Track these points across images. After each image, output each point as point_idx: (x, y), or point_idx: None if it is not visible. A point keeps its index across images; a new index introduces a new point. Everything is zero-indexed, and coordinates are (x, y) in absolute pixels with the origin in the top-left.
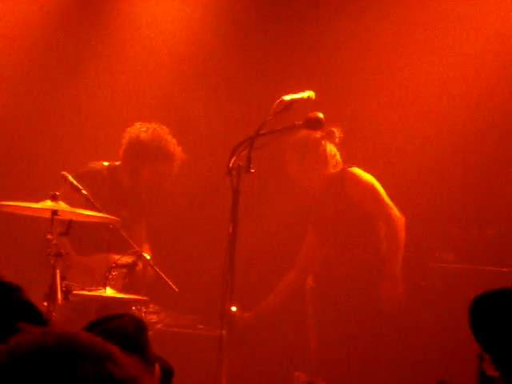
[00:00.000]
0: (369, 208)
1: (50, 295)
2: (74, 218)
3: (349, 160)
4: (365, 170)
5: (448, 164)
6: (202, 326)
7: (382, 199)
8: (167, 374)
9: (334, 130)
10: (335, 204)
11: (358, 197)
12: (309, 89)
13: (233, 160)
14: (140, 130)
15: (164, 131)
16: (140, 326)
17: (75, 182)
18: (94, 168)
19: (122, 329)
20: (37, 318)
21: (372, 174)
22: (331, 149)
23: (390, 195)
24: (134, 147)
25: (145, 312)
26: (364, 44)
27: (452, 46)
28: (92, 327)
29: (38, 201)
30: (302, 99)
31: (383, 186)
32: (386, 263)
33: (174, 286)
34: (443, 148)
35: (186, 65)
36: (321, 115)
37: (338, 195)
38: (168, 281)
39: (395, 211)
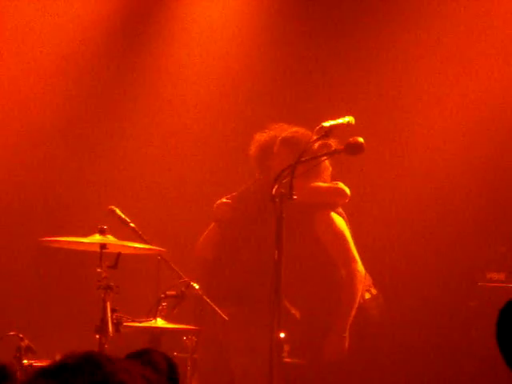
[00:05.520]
0: (334, 255)
1: (101, 328)
2: (122, 251)
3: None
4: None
5: (495, 182)
6: None
7: (349, 250)
8: None
9: (331, 143)
10: (301, 231)
11: (326, 240)
12: (348, 114)
13: (275, 187)
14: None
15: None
16: (171, 363)
17: (123, 216)
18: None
19: (154, 365)
20: None
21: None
22: (326, 163)
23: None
24: (261, 152)
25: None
26: (403, 68)
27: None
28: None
29: (86, 235)
30: (341, 125)
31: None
32: (336, 316)
33: (223, 315)
34: (492, 166)
35: (224, 91)
36: (361, 140)
37: (305, 228)
38: (217, 309)
39: (359, 265)
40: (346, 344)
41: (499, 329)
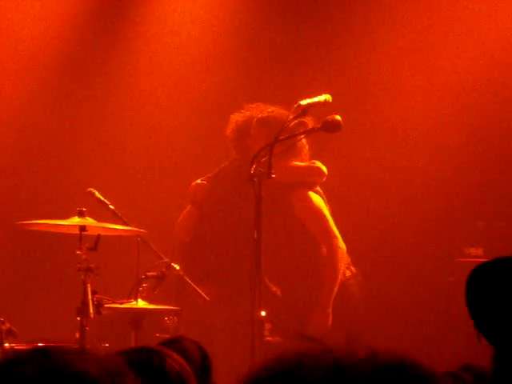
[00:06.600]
0: (314, 232)
1: (83, 310)
2: (101, 233)
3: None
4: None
5: (471, 158)
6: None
7: (328, 227)
8: None
9: (308, 121)
10: (280, 210)
11: (304, 219)
12: (325, 92)
13: (254, 167)
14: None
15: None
16: (204, 353)
17: (102, 198)
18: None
19: (186, 354)
20: None
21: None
22: (303, 140)
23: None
24: (238, 133)
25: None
26: (380, 47)
27: (465, 46)
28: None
29: (65, 218)
30: (318, 103)
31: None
32: (319, 292)
33: (204, 295)
34: (467, 143)
35: (202, 72)
36: (338, 117)
37: (284, 207)
38: (198, 290)
39: (340, 242)
40: (330, 320)
41: (469, 293)
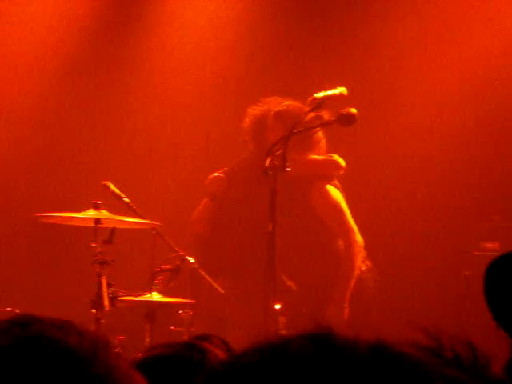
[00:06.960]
0: (331, 226)
1: (97, 302)
2: (116, 226)
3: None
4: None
5: (488, 151)
6: None
7: (346, 221)
8: None
9: (324, 114)
10: (297, 204)
11: (322, 212)
12: (341, 85)
13: (268, 160)
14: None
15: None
16: (230, 349)
17: (117, 191)
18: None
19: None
20: None
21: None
22: (319, 134)
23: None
24: (255, 126)
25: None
26: (394, 40)
27: (471, 45)
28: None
29: (80, 210)
30: (333, 96)
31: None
32: (336, 285)
33: (219, 288)
34: (484, 136)
35: (218, 65)
36: (354, 111)
37: (301, 200)
38: (213, 283)
39: (357, 236)
40: (346, 314)
41: (487, 285)
